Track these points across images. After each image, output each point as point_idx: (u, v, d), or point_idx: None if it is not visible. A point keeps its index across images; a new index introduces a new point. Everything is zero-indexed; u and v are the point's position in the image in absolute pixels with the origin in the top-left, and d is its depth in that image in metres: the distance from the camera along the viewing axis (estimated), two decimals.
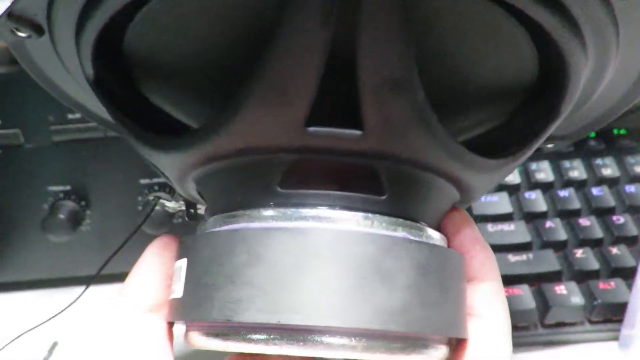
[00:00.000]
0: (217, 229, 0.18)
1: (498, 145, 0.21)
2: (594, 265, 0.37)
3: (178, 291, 0.18)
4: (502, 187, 0.42)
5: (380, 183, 0.18)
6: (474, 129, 0.22)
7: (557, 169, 0.43)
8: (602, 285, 0.36)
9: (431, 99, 0.16)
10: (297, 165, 0.17)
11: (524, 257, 0.37)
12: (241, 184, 0.18)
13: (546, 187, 0.42)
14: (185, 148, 0.18)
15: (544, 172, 0.42)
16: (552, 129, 0.20)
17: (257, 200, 0.18)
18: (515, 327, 0.36)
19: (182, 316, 0.18)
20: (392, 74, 0.15)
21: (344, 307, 0.15)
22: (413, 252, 0.17)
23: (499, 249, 0.38)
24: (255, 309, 0.16)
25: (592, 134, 0.45)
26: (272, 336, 0.16)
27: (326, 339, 0.16)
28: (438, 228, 0.20)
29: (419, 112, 0.16)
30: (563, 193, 0.41)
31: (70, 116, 0.36)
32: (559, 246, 0.38)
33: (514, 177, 0.42)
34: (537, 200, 0.41)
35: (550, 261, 0.37)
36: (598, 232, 0.39)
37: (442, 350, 0.18)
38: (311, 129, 0.16)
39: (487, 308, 0.20)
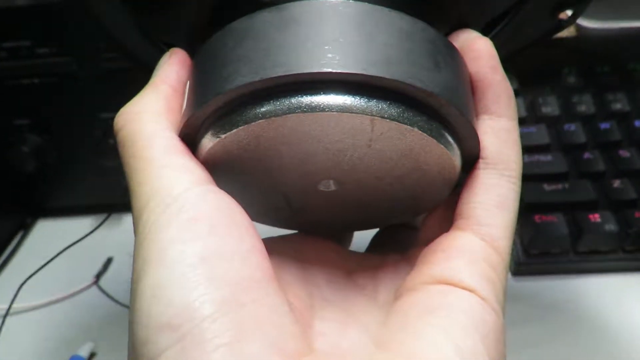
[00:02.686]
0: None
1: None
2: (631, 194, 0.37)
3: (184, 106, 0.18)
4: (540, 119, 0.41)
5: None
6: None
7: (600, 102, 0.42)
8: (638, 214, 0.36)
9: None
10: None
11: (559, 186, 0.37)
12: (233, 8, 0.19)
13: (587, 120, 0.41)
14: None
15: (585, 104, 0.42)
16: None
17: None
18: (547, 254, 0.37)
19: (183, 120, 0.17)
20: None
21: (327, 58, 0.15)
22: (395, 18, 0.16)
23: (535, 178, 0.38)
24: (241, 75, 0.16)
25: None
26: (264, 107, 0.16)
27: (318, 97, 0.15)
28: None
29: None
30: (604, 125, 0.40)
31: None
32: (596, 177, 0.38)
33: (553, 109, 0.42)
34: (576, 132, 0.40)
35: (586, 190, 0.37)
36: (638, 164, 0.38)
37: (454, 150, 0.17)
38: None
39: (497, 146, 0.18)
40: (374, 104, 0.16)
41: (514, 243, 0.37)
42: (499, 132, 0.18)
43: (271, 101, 0.16)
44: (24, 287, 0.40)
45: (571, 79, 0.44)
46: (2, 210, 0.46)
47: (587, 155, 0.39)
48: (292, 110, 0.16)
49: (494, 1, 0.21)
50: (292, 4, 0.16)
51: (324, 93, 0.16)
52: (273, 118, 0.16)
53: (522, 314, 0.35)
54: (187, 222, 0.16)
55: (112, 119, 0.42)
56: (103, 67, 0.39)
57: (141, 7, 0.22)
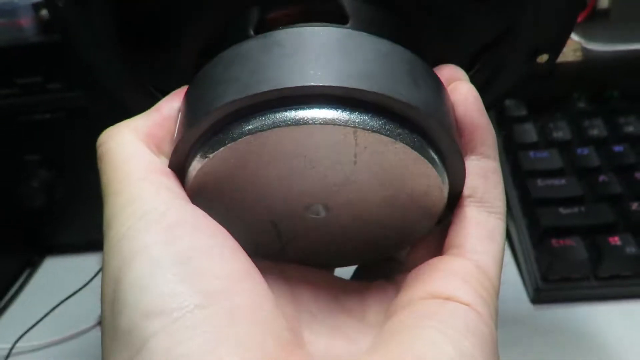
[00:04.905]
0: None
1: None
2: None
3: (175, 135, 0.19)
4: (552, 144, 0.41)
5: (342, 11, 0.19)
6: None
7: (612, 125, 0.41)
8: None
9: None
10: (265, 13, 0.20)
11: (575, 209, 0.37)
12: (224, 40, 0.20)
13: (600, 143, 0.41)
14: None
15: (597, 128, 0.41)
16: None
17: None
18: (567, 279, 0.35)
19: (174, 144, 0.18)
20: None
21: (309, 74, 0.16)
22: (374, 41, 0.17)
23: (550, 202, 0.37)
24: (228, 95, 0.16)
25: None
26: (250, 124, 0.16)
27: (302, 111, 0.16)
28: None
29: None
30: (617, 148, 0.40)
31: None
32: (613, 199, 0.37)
33: (564, 134, 0.41)
34: (590, 155, 0.40)
35: (604, 213, 0.36)
36: None
37: (438, 167, 0.17)
38: None
39: (485, 185, 0.19)
40: (356, 116, 0.16)
41: (532, 270, 0.36)
42: (487, 173, 0.19)
43: (257, 117, 0.16)
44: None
45: (581, 104, 0.43)
46: (9, 248, 0.45)
47: (602, 178, 0.38)
48: (277, 125, 0.16)
49: (470, 39, 0.22)
50: (275, 31, 0.17)
51: (307, 107, 0.16)
52: (259, 133, 0.16)
53: (542, 343, 0.33)
54: (167, 227, 0.16)
55: None
56: (111, 102, 0.39)
57: (134, 52, 0.22)
